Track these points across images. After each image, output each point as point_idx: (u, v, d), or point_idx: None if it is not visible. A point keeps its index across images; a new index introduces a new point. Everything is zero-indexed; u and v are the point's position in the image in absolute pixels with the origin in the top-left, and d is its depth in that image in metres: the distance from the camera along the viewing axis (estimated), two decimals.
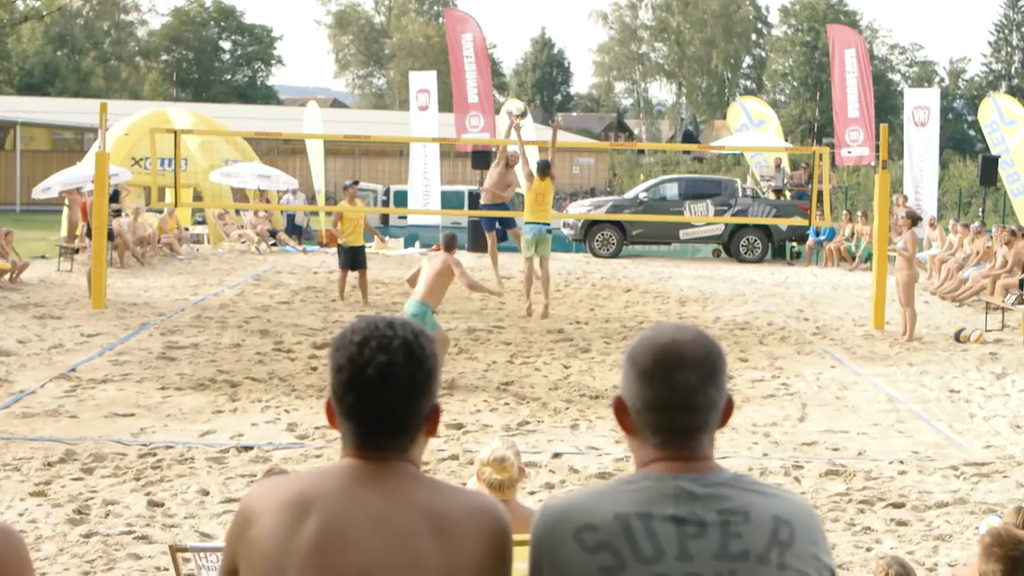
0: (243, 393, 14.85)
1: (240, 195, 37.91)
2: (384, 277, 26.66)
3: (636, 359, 2.90)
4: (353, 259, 23.04)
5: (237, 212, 36.63)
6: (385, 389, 2.92)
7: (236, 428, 13.08)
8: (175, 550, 5.89)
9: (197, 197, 35.56)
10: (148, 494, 10.53)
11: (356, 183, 24.42)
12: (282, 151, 57.36)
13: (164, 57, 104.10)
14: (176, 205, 27.33)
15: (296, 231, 37.15)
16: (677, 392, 2.85)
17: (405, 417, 2.96)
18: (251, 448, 12.19)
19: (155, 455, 11.81)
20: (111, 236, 24.14)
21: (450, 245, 16.10)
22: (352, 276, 23.23)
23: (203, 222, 37.76)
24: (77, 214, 29.52)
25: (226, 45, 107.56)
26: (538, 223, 20.33)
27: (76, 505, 10.14)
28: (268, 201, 36.55)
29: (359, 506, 2.89)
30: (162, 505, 10.25)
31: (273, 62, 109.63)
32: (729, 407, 2.94)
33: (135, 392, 14.77)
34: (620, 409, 2.94)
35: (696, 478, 2.84)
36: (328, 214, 33.14)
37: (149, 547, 9.19)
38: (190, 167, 34.37)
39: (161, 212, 32.65)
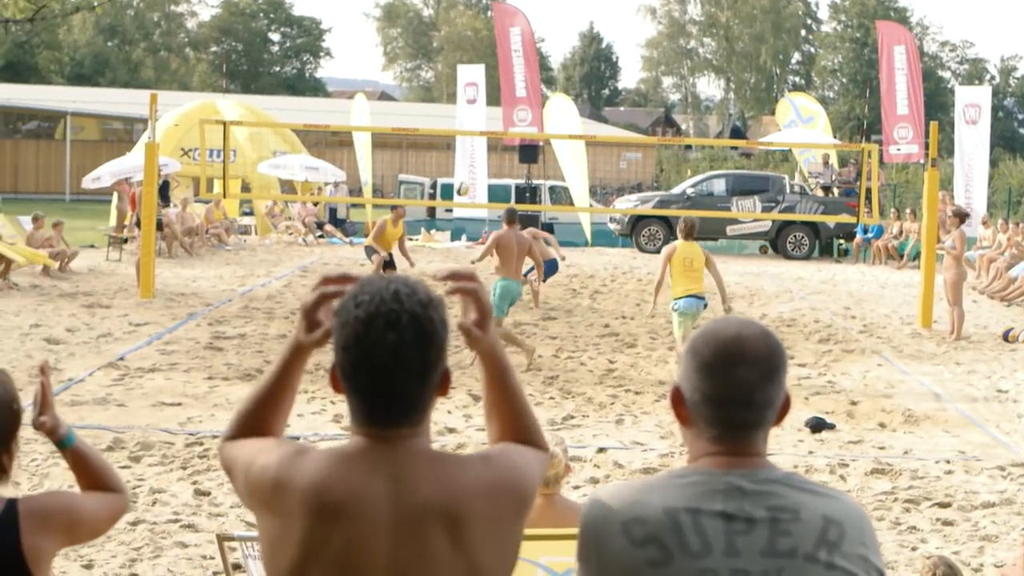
0: None
1: (288, 186, 38.03)
2: (430, 271, 26.62)
3: (698, 351, 2.86)
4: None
5: (285, 204, 36.77)
6: (396, 371, 2.81)
7: None
8: (222, 539, 5.91)
9: (245, 188, 35.70)
10: (195, 483, 10.60)
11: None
12: (330, 143, 57.46)
13: (213, 48, 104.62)
14: (224, 196, 27.47)
15: (338, 224, 37.17)
16: (736, 388, 2.82)
17: (418, 393, 2.85)
18: (297, 439, 12.23)
19: (202, 444, 11.87)
20: (160, 226, 24.27)
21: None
22: None
23: (251, 213, 37.91)
24: (126, 204, 29.72)
25: (275, 37, 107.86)
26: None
27: None
28: (317, 193, 36.69)
29: (377, 507, 2.79)
30: (208, 494, 10.31)
31: (322, 54, 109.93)
32: (786, 406, 2.91)
33: (182, 381, 14.87)
34: (677, 399, 2.91)
35: (747, 474, 2.82)
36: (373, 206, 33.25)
37: (195, 535, 9.25)
38: (239, 158, 34.50)
39: (208, 203, 32.78)
